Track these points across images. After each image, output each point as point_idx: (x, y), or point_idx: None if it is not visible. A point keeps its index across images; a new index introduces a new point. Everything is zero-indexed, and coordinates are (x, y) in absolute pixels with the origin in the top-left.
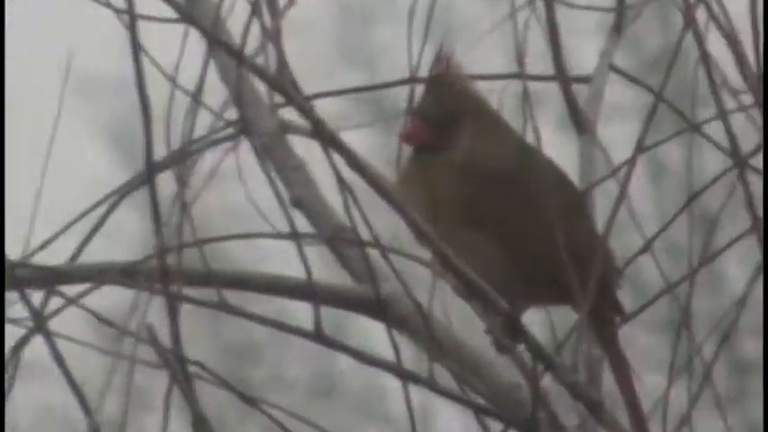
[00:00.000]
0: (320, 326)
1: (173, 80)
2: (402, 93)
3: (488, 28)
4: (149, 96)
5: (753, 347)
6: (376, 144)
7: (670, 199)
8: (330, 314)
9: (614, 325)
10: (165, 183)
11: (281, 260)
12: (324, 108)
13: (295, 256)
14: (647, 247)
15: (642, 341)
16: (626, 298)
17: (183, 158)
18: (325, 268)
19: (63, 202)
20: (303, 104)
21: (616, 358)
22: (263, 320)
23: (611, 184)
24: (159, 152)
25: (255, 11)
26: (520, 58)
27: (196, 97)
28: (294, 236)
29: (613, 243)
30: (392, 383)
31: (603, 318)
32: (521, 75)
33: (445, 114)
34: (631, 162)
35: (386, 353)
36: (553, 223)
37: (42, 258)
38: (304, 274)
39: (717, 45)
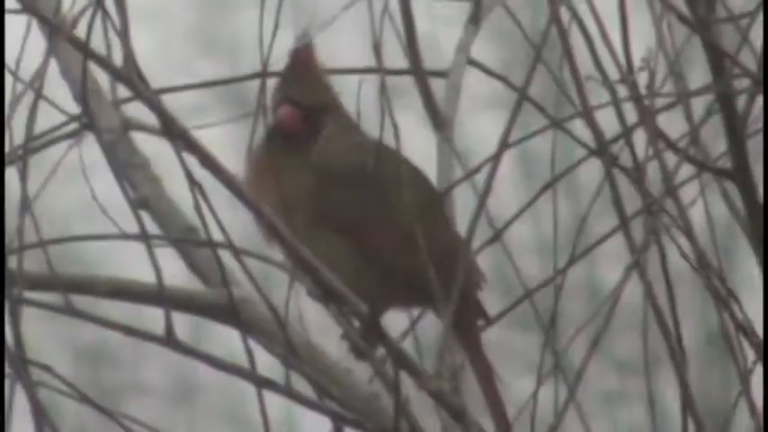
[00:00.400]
0: (172, 330)
1: (13, 73)
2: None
3: (340, 17)
4: None
5: (628, 347)
6: (239, 137)
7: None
8: (189, 318)
9: (476, 328)
10: (7, 181)
11: (136, 261)
12: (182, 101)
13: (147, 259)
14: (496, 237)
15: (515, 342)
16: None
17: (24, 155)
18: (179, 270)
19: None
20: (152, 99)
21: (479, 362)
22: (112, 325)
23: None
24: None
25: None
26: (376, 50)
27: (38, 91)
28: (141, 237)
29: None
30: (252, 389)
31: (465, 321)
32: (377, 69)
33: (315, 104)
34: (495, 159)
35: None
36: (408, 225)
37: None
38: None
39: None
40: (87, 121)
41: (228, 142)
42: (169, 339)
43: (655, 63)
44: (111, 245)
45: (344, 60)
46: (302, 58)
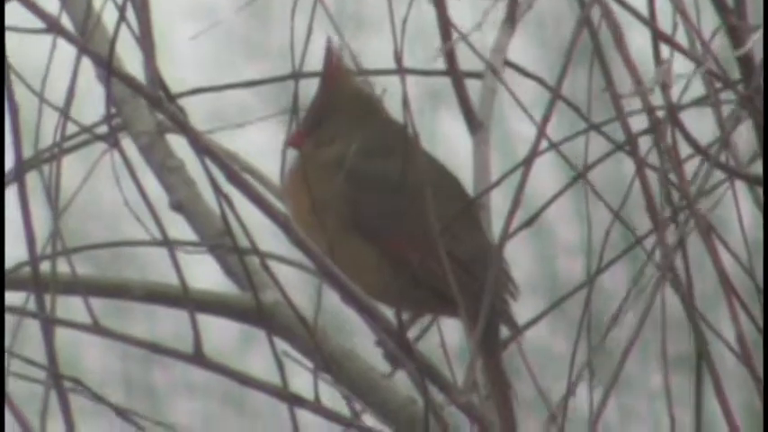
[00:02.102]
0: (200, 347)
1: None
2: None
3: (381, 18)
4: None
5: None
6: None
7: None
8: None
9: (498, 341)
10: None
11: (167, 266)
12: (226, 103)
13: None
14: (529, 222)
15: (561, 344)
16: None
17: (54, 157)
18: (212, 276)
19: None
20: (176, 116)
21: (497, 377)
22: (139, 343)
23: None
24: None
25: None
26: (397, 54)
27: (69, 94)
28: (169, 243)
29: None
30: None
31: (488, 333)
32: (412, 71)
33: (314, 113)
34: (527, 163)
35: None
36: (436, 232)
37: None
38: (191, 281)
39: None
40: (121, 124)
41: (274, 145)
42: (197, 356)
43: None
44: (144, 253)
45: (387, 62)
46: (329, 67)
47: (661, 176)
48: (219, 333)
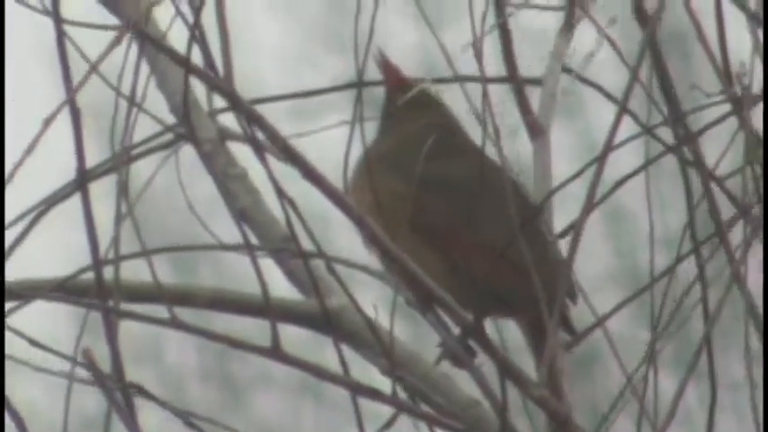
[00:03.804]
0: (278, 342)
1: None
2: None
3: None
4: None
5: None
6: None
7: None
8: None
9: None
10: (102, 191)
11: (239, 267)
12: (303, 101)
13: (240, 269)
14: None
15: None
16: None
17: (119, 165)
18: (275, 281)
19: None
20: (252, 113)
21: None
22: (217, 337)
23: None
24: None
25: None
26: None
27: (133, 101)
28: (241, 247)
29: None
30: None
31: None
32: (472, 78)
33: (383, 114)
34: (598, 168)
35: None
36: (499, 236)
37: None
38: (256, 287)
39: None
40: (183, 132)
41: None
42: (275, 351)
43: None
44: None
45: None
46: (387, 72)
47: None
48: (293, 328)
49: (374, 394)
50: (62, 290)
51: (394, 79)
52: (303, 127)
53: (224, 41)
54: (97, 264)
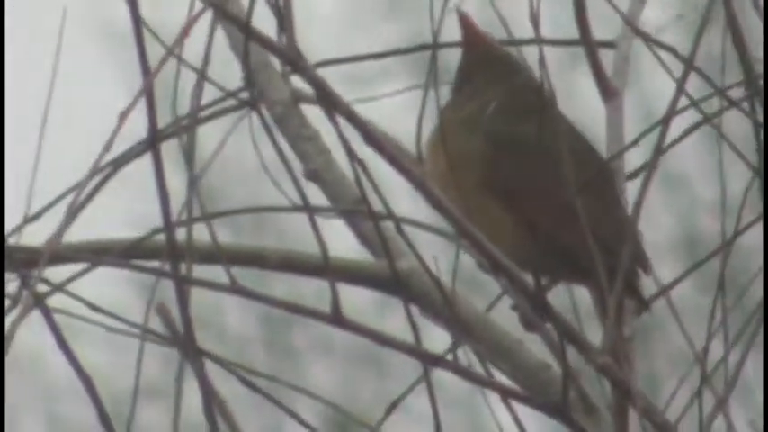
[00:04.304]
0: (338, 307)
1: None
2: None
3: None
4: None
5: None
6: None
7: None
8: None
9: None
10: (169, 154)
11: (305, 232)
12: (364, 66)
13: (306, 233)
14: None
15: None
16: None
17: (189, 127)
18: (344, 243)
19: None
20: (314, 77)
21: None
22: (277, 303)
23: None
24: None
25: None
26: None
27: (203, 67)
28: (307, 209)
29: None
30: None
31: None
32: (547, 41)
33: (459, 75)
34: (663, 127)
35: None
36: (574, 200)
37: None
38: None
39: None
40: (251, 99)
41: (413, 106)
42: (336, 317)
43: None
44: (273, 221)
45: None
46: (466, 32)
47: None
48: (356, 295)
49: (436, 361)
50: (131, 254)
51: (476, 40)
52: (362, 93)
53: (285, 6)
54: (169, 226)
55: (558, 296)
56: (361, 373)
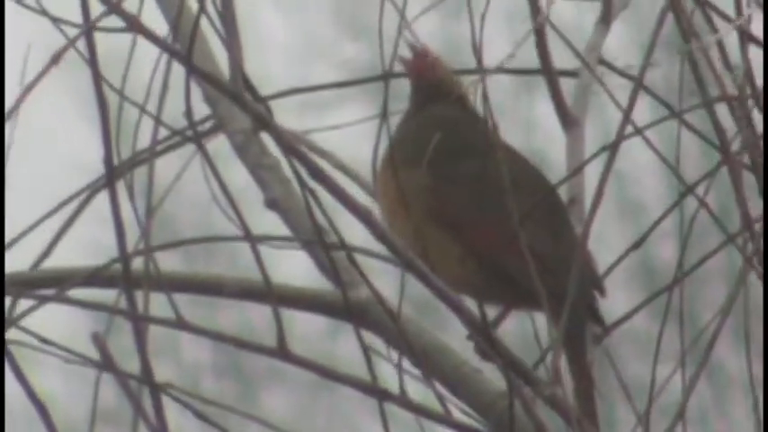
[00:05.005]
0: (284, 341)
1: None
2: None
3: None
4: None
5: None
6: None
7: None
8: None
9: (583, 340)
10: (141, 177)
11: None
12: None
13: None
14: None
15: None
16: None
17: (147, 159)
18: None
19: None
20: (259, 114)
21: (581, 376)
22: (223, 338)
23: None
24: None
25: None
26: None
27: (159, 109)
28: (249, 239)
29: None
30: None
31: (573, 331)
32: (506, 70)
33: (410, 102)
34: (613, 148)
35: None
36: (518, 229)
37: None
38: (287, 278)
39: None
40: (190, 135)
41: (372, 131)
42: (282, 351)
43: None
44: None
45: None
46: (415, 68)
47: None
48: (309, 321)
49: (384, 395)
50: (90, 282)
51: (423, 72)
52: (317, 119)
53: (231, 39)
54: (125, 256)
55: (521, 323)
56: (314, 401)
